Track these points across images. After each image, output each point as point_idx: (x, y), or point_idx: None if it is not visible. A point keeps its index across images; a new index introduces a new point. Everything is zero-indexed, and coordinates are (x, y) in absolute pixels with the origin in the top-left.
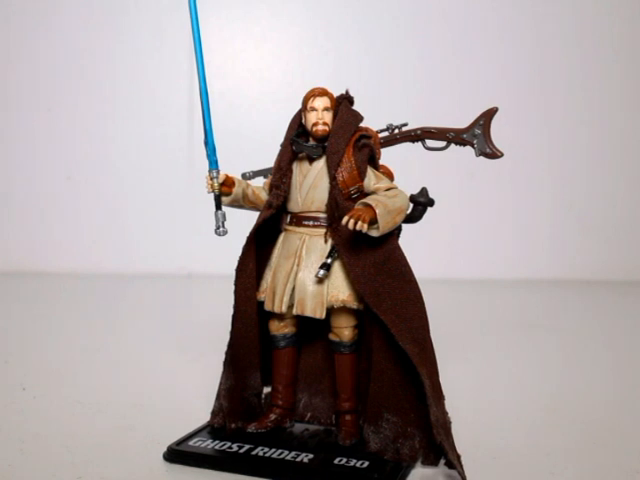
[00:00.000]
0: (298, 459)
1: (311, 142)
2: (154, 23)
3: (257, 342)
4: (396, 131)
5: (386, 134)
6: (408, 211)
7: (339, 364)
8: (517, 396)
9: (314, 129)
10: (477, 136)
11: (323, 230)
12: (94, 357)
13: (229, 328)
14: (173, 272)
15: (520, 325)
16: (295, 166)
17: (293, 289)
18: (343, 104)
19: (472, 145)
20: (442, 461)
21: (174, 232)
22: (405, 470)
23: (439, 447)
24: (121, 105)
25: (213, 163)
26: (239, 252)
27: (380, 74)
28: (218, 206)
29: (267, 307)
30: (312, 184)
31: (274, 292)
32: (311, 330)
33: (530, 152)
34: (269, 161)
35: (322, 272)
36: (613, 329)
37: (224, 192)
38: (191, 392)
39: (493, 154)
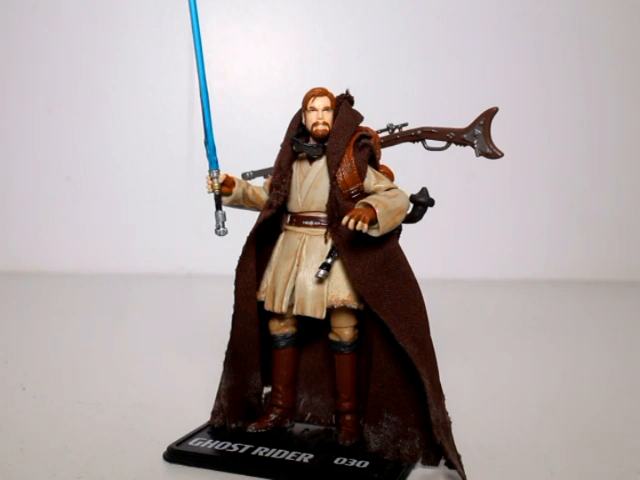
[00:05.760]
0: (298, 459)
1: (311, 142)
2: (154, 23)
3: (257, 342)
4: (396, 131)
5: (386, 134)
6: (408, 211)
7: (339, 364)
8: (517, 396)
9: (314, 129)
10: (477, 136)
11: (323, 230)
12: (94, 357)
13: (229, 328)
14: (173, 272)
15: (520, 325)
16: (295, 166)
17: (293, 289)
18: (343, 104)
19: (472, 145)
20: (442, 461)
21: (174, 232)
22: (405, 470)
23: (439, 447)
24: (121, 105)
25: (213, 163)
26: (239, 252)
27: (380, 74)
28: (218, 206)
29: (267, 307)
30: (312, 184)
31: (274, 292)
32: (311, 330)
33: (530, 152)
34: (269, 161)
35: (322, 272)
36: (613, 329)
37: (224, 192)
38: (191, 392)
39: (493, 154)
